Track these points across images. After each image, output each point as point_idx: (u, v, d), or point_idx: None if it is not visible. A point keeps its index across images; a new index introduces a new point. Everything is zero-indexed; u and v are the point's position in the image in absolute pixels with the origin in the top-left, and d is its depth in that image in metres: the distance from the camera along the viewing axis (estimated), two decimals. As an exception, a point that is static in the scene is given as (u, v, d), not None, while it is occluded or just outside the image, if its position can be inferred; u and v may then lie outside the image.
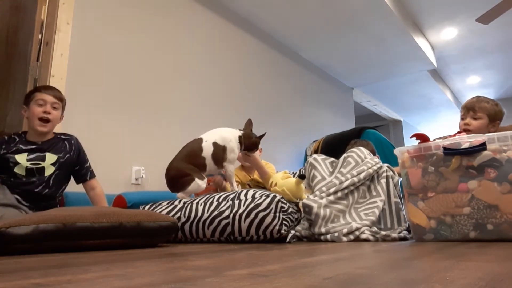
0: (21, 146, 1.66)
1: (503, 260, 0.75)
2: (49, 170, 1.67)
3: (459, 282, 0.51)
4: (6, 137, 1.68)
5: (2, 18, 2.56)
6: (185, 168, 1.69)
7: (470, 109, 1.82)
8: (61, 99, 1.74)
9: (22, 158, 1.63)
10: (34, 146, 1.67)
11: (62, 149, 1.73)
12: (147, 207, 1.63)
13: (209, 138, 1.79)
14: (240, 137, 1.87)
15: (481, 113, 1.79)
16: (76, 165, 1.78)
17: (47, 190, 1.66)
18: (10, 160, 1.61)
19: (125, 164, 2.34)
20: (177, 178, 1.69)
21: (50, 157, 1.68)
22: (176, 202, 1.57)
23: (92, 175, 1.83)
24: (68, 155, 1.74)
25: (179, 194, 1.69)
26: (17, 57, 2.51)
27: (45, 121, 1.66)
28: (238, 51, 3.48)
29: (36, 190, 1.63)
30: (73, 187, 1.82)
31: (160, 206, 1.59)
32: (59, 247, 1.07)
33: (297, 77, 4.29)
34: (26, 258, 0.91)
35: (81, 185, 1.82)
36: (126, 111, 2.41)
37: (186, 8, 3.00)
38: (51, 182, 1.67)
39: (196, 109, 2.93)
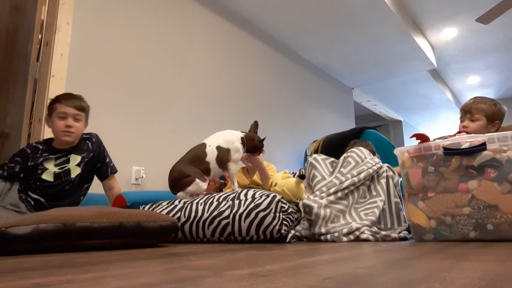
0: (49, 155, 1.68)
1: (503, 260, 0.75)
2: (75, 171, 1.71)
3: (459, 282, 0.51)
4: (28, 150, 1.68)
5: (2, 18, 2.56)
6: (188, 170, 1.70)
7: (467, 111, 1.82)
8: (83, 108, 1.73)
9: (50, 165, 1.67)
10: (62, 154, 1.71)
11: (85, 149, 1.76)
12: (147, 207, 1.63)
13: (213, 143, 1.80)
14: (242, 138, 1.87)
15: (478, 114, 1.79)
16: (97, 162, 1.81)
17: (72, 189, 1.71)
18: (38, 167, 1.65)
19: (125, 164, 2.34)
20: (178, 180, 1.69)
21: (74, 158, 1.72)
22: (176, 202, 1.57)
23: (113, 171, 1.86)
24: (91, 154, 1.78)
25: (179, 194, 1.69)
26: (17, 57, 2.51)
27: (69, 132, 1.67)
28: (238, 51, 3.48)
29: (62, 190, 1.68)
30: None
31: (160, 206, 1.58)
32: (59, 247, 1.07)
33: (297, 77, 4.29)
34: (26, 258, 0.91)
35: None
36: (126, 111, 2.41)
37: (186, 8, 3.00)
38: (76, 182, 1.72)
39: (196, 109, 2.93)
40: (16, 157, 1.66)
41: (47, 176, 1.65)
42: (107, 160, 1.85)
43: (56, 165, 1.67)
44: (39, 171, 1.64)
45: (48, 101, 1.99)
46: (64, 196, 1.69)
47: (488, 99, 1.81)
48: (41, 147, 1.70)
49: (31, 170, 1.64)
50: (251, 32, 3.67)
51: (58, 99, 1.70)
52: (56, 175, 1.66)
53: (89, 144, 1.78)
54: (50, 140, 1.75)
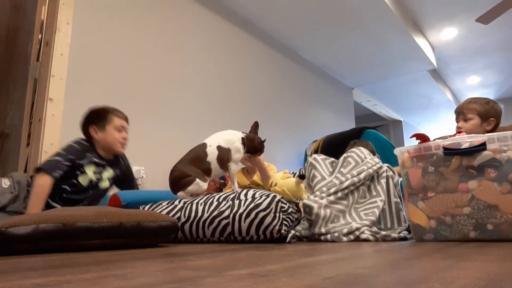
0: (93, 158, 1.71)
1: (503, 260, 0.75)
2: (104, 184, 1.75)
3: (459, 282, 0.51)
4: (79, 147, 1.67)
5: (2, 18, 2.56)
6: (188, 170, 1.70)
7: (460, 112, 1.86)
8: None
9: (89, 170, 1.70)
10: (102, 163, 1.75)
11: (117, 165, 1.83)
12: (147, 207, 1.63)
13: (213, 143, 1.80)
14: (243, 138, 1.87)
15: (470, 114, 1.81)
16: (124, 180, 1.88)
17: (95, 199, 1.75)
18: (79, 169, 1.66)
19: (125, 164, 2.35)
20: (179, 179, 1.69)
21: (109, 171, 1.78)
22: (176, 202, 1.57)
23: (136, 188, 1.97)
24: (121, 172, 1.85)
25: (180, 193, 1.69)
26: (17, 57, 2.51)
27: (125, 144, 1.78)
28: (238, 51, 3.48)
29: (88, 197, 1.70)
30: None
31: (160, 206, 1.58)
32: (59, 247, 1.07)
33: (297, 77, 4.29)
34: (26, 258, 0.91)
35: None
36: (126, 111, 2.39)
37: (186, 7, 3.00)
38: (102, 194, 1.78)
39: (196, 109, 2.93)
40: (70, 155, 1.64)
41: (83, 181, 1.66)
42: (134, 179, 1.95)
43: (94, 172, 1.71)
44: (77, 173, 1.65)
45: (48, 101, 2.00)
46: (84, 204, 1.71)
47: (480, 99, 1.83)
48: (87, 144, 1.71)
49: (74, 168, 1.64)
50: (251, 32, 3.67)
51: (111, 111, 1.77)
52: (90, 182, 1.69)
53: (122, 162, 1.85)
54: (91, 144, 1.75)
